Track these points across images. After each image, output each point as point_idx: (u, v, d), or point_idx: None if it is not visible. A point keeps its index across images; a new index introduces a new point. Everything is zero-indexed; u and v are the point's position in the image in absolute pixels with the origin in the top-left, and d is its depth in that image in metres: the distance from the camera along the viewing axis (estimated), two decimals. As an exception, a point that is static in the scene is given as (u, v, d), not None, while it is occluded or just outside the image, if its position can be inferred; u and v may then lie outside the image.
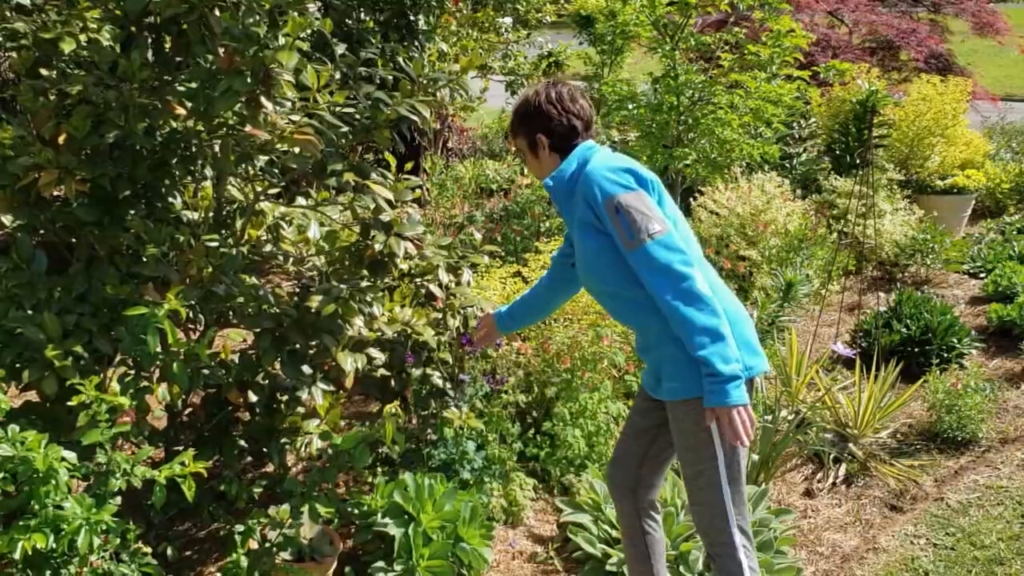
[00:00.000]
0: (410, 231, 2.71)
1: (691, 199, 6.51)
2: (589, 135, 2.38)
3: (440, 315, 3.45)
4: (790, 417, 4.07)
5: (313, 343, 2.80)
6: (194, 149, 2.88)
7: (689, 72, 4.90)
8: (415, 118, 2.58)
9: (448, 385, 3.26)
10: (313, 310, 2.66)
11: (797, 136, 8.22)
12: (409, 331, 3.24)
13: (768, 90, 4.79)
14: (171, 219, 2.95)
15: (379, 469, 3.55)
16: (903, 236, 6.70)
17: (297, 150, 2.43)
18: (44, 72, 2.58)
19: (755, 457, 3.62)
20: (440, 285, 3.65)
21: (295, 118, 2.48)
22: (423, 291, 3.66)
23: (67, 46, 2.48)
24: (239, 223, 3.05)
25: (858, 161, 7.47)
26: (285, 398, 3.08)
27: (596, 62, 9.99)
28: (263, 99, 2.45)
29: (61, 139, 2.50)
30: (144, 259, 2.66)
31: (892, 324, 4.91)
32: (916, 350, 4.80)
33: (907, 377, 4.67)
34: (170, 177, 2.89)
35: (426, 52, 6.35)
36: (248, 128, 2.39)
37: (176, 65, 2.72)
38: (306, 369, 2.89)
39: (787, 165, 7.99)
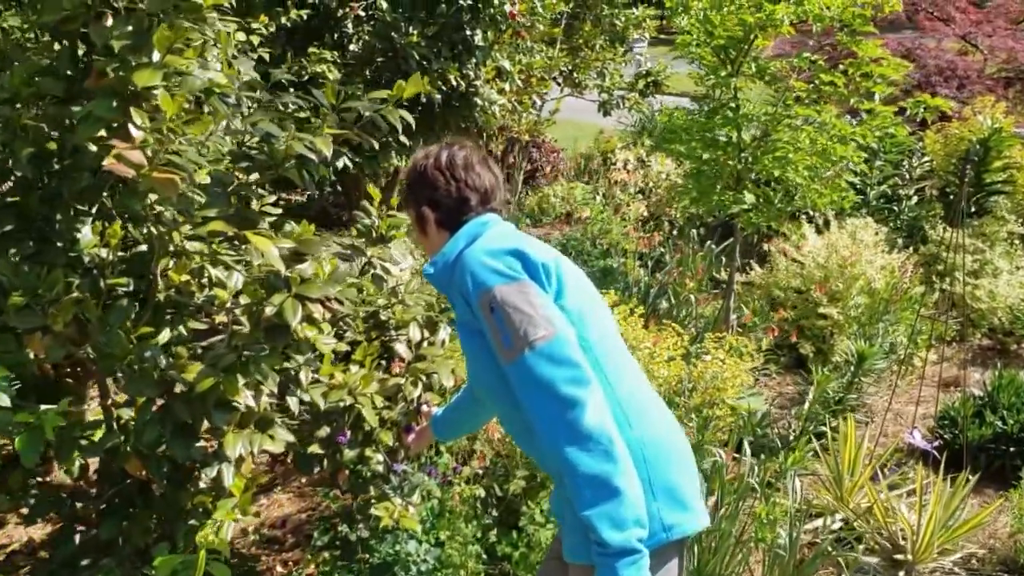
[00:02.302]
0: (319, 291, 2.26)
1: (763, 244, 5.88)
2: (487, 209, 1.95)
3: (401, 380, 2.99)
4: (835, 527, 3.41)
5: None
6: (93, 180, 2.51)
7: (748, 102, 4.31)
8: (312, 156, 2.13)
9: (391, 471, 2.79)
10: (189, 382, 2.23)
11: (907, 176, 7.42)
12: (352, 401, 2.80)
13: (840, 127, 4.13)
14: (66, 260, 2.58)
15: (325, 554, 3.12)
16: (1021, 300, 5.85)
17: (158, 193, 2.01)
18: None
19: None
20: (409, 343, 3.21)
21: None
22: (392, 348, 3.24)
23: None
24: (159, 264, 2.66)
25: (973, 209, 6.63)
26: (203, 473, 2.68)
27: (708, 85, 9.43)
28: (131, 128, 2.04)
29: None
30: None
31: (984, 414, 4.15)
32: (1013, 450, 4.04)
33: (999, 483, 3.92)
34: (65, 211, 2.53)
35: (482, 70, 5.95)
36: (106, 162, 1.98)
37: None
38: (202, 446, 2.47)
39: (895, 209, 7.21)
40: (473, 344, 1.80)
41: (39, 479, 3.41)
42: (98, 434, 2.60)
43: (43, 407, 2.28)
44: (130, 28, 2.12)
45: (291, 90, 2.95)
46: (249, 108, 2.38)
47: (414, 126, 2.44)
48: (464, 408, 2.32)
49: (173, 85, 2.15)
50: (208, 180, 2.29)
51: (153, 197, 2.35)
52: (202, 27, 2.20)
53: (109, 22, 2.17)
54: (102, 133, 2.10)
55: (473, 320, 1.76)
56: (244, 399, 2.30)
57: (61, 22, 2.27)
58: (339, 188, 6.76)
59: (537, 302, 1.67)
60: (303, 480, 4.08)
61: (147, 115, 2.01)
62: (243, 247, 2.31)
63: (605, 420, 1.59)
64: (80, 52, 2.37)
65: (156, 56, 2.08)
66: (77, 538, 2.73)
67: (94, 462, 3.10)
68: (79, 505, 2.82)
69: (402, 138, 5.38)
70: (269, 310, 2.20)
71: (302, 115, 2.56)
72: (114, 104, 2.08)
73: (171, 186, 1.97)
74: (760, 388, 5.00)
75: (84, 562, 2.74)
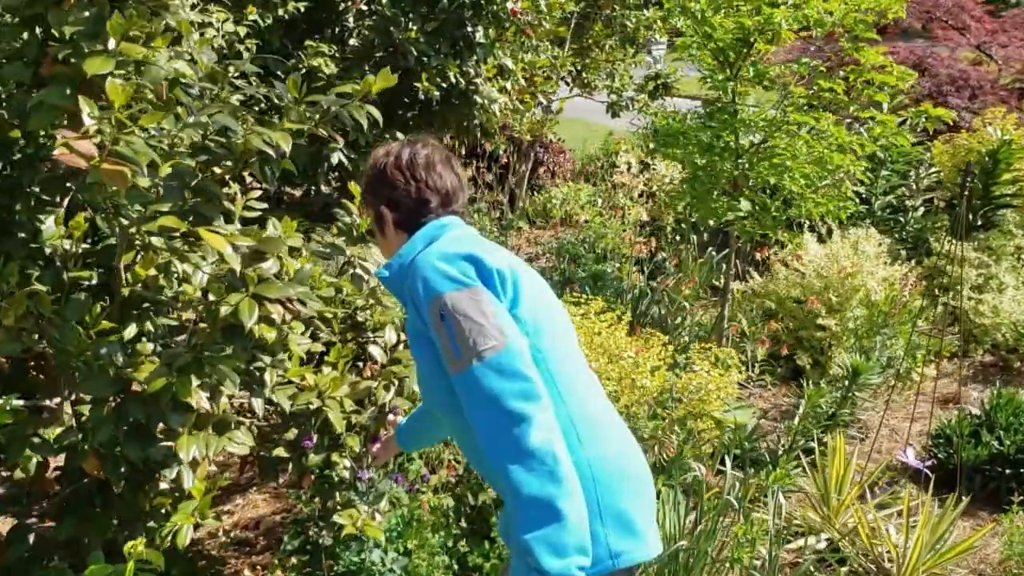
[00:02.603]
0: (278, 292, 2.18)
1: (757, 253, 5.79)
2: (448, 211, 1.88)
3: (373, 384, 2.91)
4: (819, 546, 3.32)
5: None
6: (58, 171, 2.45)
7: (747, 107, 4.21)
8: (270, 151, 2.05)
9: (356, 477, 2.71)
10: (141, 381, 2.16)
11: (914, 187, 7.29)
12: (319, 404, 2.73)
13: (838, 135, 4.03)
14: (27, 250, 2.52)
15: (294, 559, 3.04)
16: (1026, 316, 5.73)
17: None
18: None
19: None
20: (385, 346, 3.13)
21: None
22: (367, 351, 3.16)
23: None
24: (122, 258, 2.59)
25: (980, 223, 6.51)
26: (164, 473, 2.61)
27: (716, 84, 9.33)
28: (84, 117, 1.97)
29: None
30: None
31: (980, 434, 4.05)
32: (1008, 472, 3.93)
33: (993, 506, 3.82)
34: (25, 201, 2.46)
35: (483, 67, 5.87)
36: (56, 152, 1.91)
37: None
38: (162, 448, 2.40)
39: (900, 220, 7.09)
40: (423, 353, 1.72)
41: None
42: (56, 431, 2.54)
43: (-7, 403, 2.23)
44: (87, 14, 2.05)
45: (259, 83, 2.86)
46: (210, 100, 2.31)
47: (381, 122, 2.35)
48: (423, 419, 2.25)
49: (130, 74, 2.08)
50: (170, 173, 2.23)
51: (114, 189, 2.28)
52: (164, 16, 2.12)
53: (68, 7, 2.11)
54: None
55: (423, 328, 1.68)
56: (199, 400, 2.22)
57: (26, 5, 2.21)
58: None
59: (489, 310, 1.59)
60: (280, 480, 4.02)
61: (98, 105, 1.93)
62: (200, 243, 2.23)
63: (553, 439, 1.51)
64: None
65: (112, 44, 2.01)
66: (31, 537, 2.66)
67: (57, 459, 3.05)
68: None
69: (399, 135, 5.35)
70: (224, 309, 2.12)
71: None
72: (67, 92, 2.01)
73: (121, 178, 1.89)
74: (753, 400, 4.91)
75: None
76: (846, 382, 4.36)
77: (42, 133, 2.32)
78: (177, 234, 2.22)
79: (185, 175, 2.16)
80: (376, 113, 2.27)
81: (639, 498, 1.67)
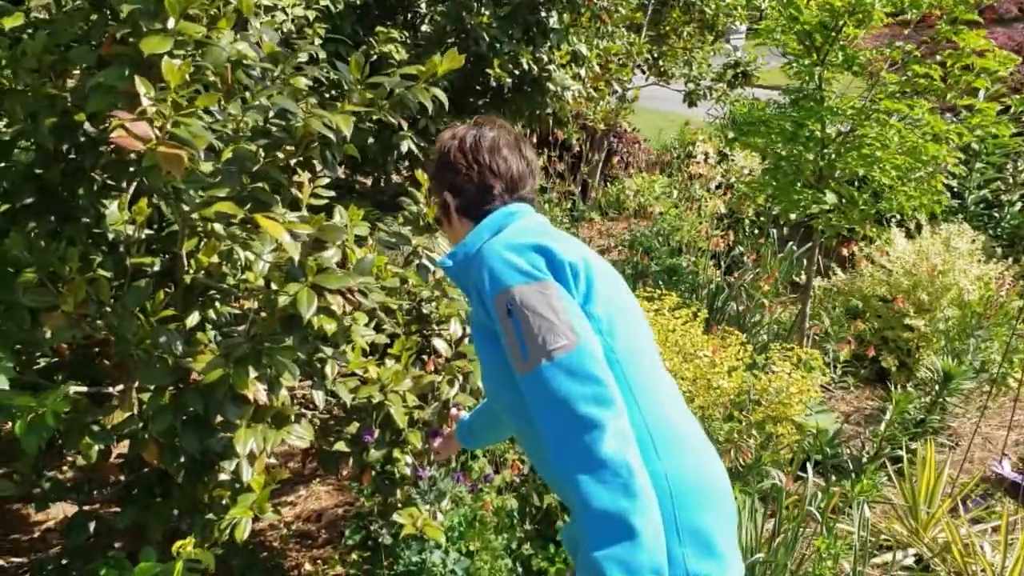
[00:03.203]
0: (337, 282, 2.10)
1: (844, 248, 5.54)
2: (516, 198, 1.77)
3: (436, 378, 2.83)
4: (906, 562, 3.13)
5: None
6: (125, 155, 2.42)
7: (834, 94, 4.00)
8: (330, 135, 1.97)
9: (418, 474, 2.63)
10: (198, 375, 2.11)
11: (1011, 181, 6.93)
12: (381, 398, 2.66)
13: (934, 124, 3.79)
14: (90, 235, 2.49)
15: (354, 555, 2.99)
16: None
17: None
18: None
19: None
20: (450, 340, 3.05)
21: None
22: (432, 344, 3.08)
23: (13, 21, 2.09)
24: (184, 245, 2.55)
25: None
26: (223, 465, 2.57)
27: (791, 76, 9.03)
28: (143, 99, 1.91)
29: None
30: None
31: (1084, 446, 3.79)
32: (1115, 487, 3.67)
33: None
34: (88, 185, 2.43)
35: (556, 54, 5.75)
36: (113, 135, 1.85)
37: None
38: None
39: (995, 216, 6.75)
40: (488, 349, 1.62)
41: (61, 462, 3.38)
42: (120, 417, 2.51)
43: (51, 391, 2.20)
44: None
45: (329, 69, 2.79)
46: (271, 82, 2.24)
47: (447, 107, 2.25)
48: (486, 416, 2.15)
49: (189, 54, 2.02)
50: (229, 158, 2.17)
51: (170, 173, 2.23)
52: (227, -5, 2.06)
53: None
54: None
55: (488, 321, 1.58)
56: (255, 393, 2.16)
57: (90, -14, 2.17)
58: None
59: (560, 307, 1.47)
60: (343, 472, 3.98)
61: (157, 87, 1.87)
62: (260, 231, 2.17)
63: (627, 448, 1.38)
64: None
65: (171, 23, 1.95)
66: (92, 525, 2.65)
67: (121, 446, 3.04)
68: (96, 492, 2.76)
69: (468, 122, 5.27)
70: (283, 300, 2.05)
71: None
72: (126, 73, 1.96)
73: (177, 162, 1.83)
74: (835, 403, 4.70)
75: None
76: (936, 386, 4.13)
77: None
78: (236, 221, 2.16)
79: (244, 160, 2.09)
80: (442, 96, 2.17)
81: (720, 515, 1.53)
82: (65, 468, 3.50)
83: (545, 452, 1.44)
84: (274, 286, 2.39)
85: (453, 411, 2.46)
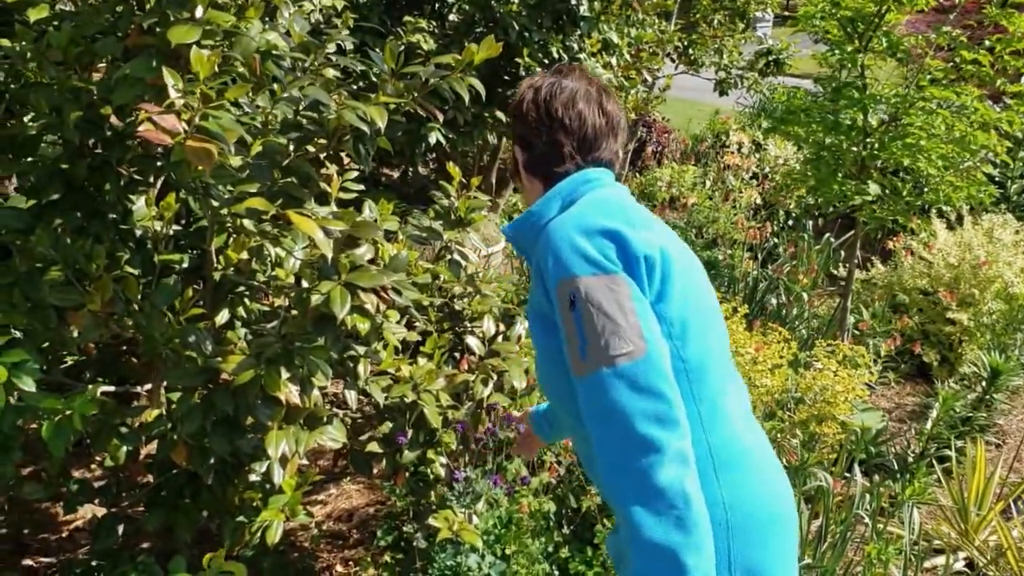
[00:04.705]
0: (371, 280, 2.04)
1: (887, 241, 5.43)
2: (590, 160, 1.59)
3: (470, 377, 2.77)
4: (957, 566, 3.04)
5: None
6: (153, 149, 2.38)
7: (877, 81, 3.89)
8: (364, 127, 1.90)
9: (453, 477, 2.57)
10: (228, 375, 2.06)
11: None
12: (415, 398, 2.60)
13: (984, 112, 3.68)
14: (117, 232, 2.45)
15: (387, 556, 2.94)
16: None
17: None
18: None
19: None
20: (483, 337, 2.99)
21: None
22: (464, 341, 3.03)
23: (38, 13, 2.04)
24: (213, 241, 2.51)
25: None
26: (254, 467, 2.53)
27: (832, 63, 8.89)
28: (171, 91, 1.86)
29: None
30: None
31: None
32: None
33: None
34: (115, 180, 2.39)
35: (587, 42, 5.67)
36: (141, 128, 1.80)
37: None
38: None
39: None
40: (543, 334, 1.49)
41: (90, 462, 3.35)
42: (152, 415, 2.48)
43: (80, 392, 2.16)
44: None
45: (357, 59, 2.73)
46: (302, 72, 2.18)
47: (484, 96, 2.18)
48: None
49: (219, 44, 1.96)
50: (259, 151, 2.12)
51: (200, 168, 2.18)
52: (254, -18, 2.00)
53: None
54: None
55: (548, 307, 1.44)
56: (287, 394, 2.11)
57: (118, -29, 2.12)
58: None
59: (629, 307, 1.33)
60: (378, 471, 3.93)
61: (185, 78, 1.82)
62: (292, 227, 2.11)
63: (686, 475, 1.27)
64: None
65: (199, 12, 1.89)
66: (121, 528, 2.61)
67: (150, 446, 3.01)
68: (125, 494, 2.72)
69: (497, 113, 5.20)
70: (316, 299, 2.00)
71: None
72: (153, 64, 1.91)
73: (206, 156, 1.77)
74: (876, 399, 4.60)
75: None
76: (982, 383, 4.02)
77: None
78: (267, 216, 2.11)
79: (275, 153, 2.04)
80: (479, 86, 2.10)
81: (779, 547, 1.42)
82: (94, 467, 3.48)
83: (596, 463, 1.35)
84: (305, 283, 2.34)
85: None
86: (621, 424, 1.28)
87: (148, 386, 2.58)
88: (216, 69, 1.91)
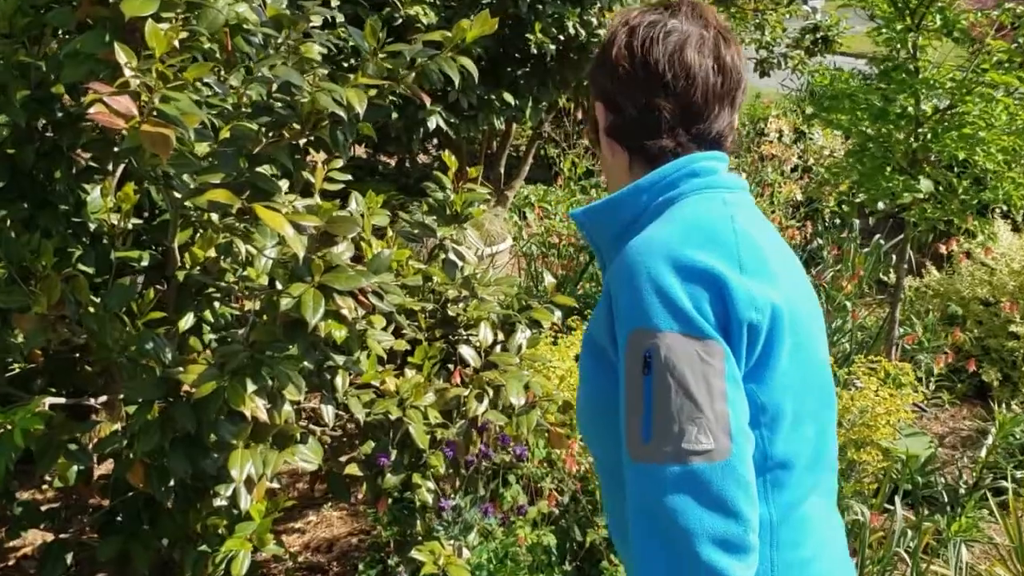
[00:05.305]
0: (348, 282, 2.05)
1: (941, 245, 5.40)
2: (695, 135, 1.34)
3: (464, 392, 2.78)
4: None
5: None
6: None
7: (930, 64, 3.87)
8: (341, 112, 1.91)
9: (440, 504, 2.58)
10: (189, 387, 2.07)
11: None
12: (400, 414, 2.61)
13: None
14: (68, 225, 2.47)
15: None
16: None
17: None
18: None
19: None
20: (479, 347, 2.99)
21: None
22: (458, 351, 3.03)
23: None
24: (176, 237, 2.52)
25: None
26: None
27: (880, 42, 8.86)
28: (125, 68, 1.87)
29: None
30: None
31: None
32: None
33: None
34: (66, 167, 2.41)
35: (607, 16, 5.67)
36: (92, 110, 1.82)
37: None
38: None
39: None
40: (593, 370, 1.32)
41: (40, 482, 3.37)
42: (108, 429, 2.50)
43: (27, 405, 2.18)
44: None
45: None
46: (274, 50, 2.19)
47: (477, 77, 2.19)
48: None
49: (181, 17, 1.97)
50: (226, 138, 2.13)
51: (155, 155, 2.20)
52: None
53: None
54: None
55: (610, 347, 1.25)
56: (253, 409, 2.12)
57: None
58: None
59: (720, 388, 1.12)
60: (359, 496, 3.94)
61: (143, 55, 1.83)
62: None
63: None
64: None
65: (158, -19, 1.91)
66: (70, 557, 2.63)
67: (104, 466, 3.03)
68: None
69: (506, 96, 5.21)
70: (285, 302, 2.01)
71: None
72: (106, 39, 1.92)
73: (163, 143, 1.78)
74: (927, 423, 4.58)
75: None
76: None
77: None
78: (234, 210, 2.12)
79: (243, 140, 2.05)
80: (471, 66, 2.10)
81: None
82: (46, 488, 3.50)
83: (629, 550, 1.18)
84: (279, 285, 2.35)
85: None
86: (679, 540, 1.10)
87: (104, 398, 2.59)
88: (177, 45, 1.92)
